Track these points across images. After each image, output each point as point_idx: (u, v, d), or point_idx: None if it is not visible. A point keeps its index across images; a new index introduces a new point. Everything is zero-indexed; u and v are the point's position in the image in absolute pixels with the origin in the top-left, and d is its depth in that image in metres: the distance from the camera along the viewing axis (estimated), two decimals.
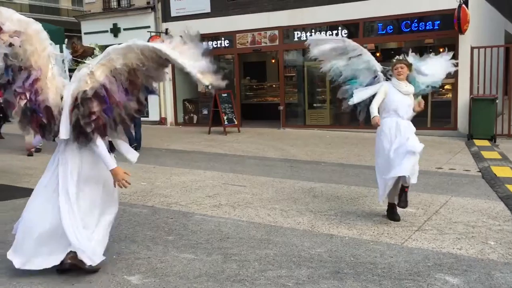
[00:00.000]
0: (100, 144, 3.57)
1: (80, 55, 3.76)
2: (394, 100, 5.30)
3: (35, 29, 3.63)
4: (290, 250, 4.32)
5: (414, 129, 5.37)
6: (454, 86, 12.20)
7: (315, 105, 14.48)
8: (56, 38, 6.95)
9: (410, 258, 4.07)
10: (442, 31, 12.08)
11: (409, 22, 12.33)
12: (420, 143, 5.17)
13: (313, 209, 5.72)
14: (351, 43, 5.67)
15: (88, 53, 3.82)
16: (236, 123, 13.80)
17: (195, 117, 16.35)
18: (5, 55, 3.53)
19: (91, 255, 3.63)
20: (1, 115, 11.91)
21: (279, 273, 3.78)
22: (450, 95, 12.82)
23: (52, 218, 3.66)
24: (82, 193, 3.70)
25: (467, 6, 11.23)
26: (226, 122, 13.38)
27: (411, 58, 5.48)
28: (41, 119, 3.65)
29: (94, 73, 3.53)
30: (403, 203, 5.17)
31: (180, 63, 3.45)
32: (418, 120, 13.02)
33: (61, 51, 6.77)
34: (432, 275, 3.71)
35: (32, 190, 6.72)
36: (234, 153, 10.40)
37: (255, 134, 13.31)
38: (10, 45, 3.52)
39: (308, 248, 4.37)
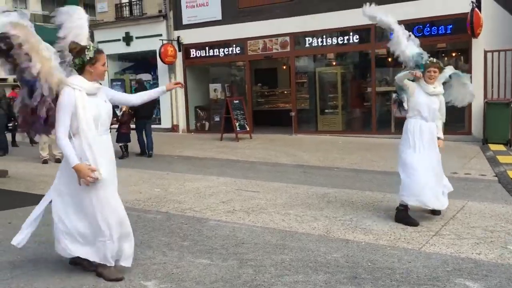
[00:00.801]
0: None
1: (74, 55, 3.69)
2: (418, 102, 5.37)
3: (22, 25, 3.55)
4: (306, 255, 4.28)
5: (437, 137, 5.48)
6: None
7: (326, 111, 14.45)
8: None
9: (428, 263, 4.01)
10: (454, 35, 12.00)
11: (421, 26, 12.27)
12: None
13: (327, 215, 5.68)
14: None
15: (81, 53, 3.68)
16: (248, 129, 13.81)
17: (207, 124, 16.40)
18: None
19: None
20: (16, 123, 12.08)
21: (296, 279, 3.75)
22: None
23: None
24: None
25: (479, 9, 11.16)
26: (238, 129, 13.38)
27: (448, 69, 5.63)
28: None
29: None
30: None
31: None
32: None
33: None
34: (451, 280, 3.65)
35: None
36: (246, 159, 10.39)
37: (267, 141, 13.30)
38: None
39: (324, 253, 4.33)
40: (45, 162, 10.16)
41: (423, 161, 5.29)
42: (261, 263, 4.09)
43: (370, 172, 8.51)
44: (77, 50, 3.68)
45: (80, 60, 3.67)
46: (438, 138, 5.51)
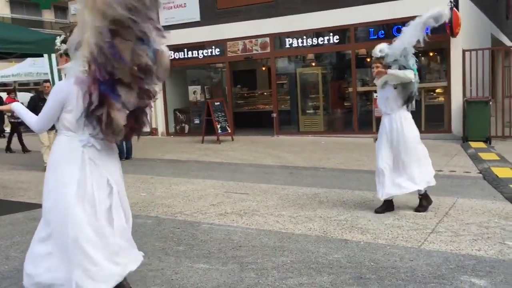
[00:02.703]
0: None
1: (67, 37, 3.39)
2: (377, 102, 5.70)
3: None
4: (307, 256, 4.20)
5: (408, 133, 5.49)
6: (447, 89, 12.28)
7: (308, 111, 14.45)
8: (50, 47, 6.79)
9: (431, 261, 3.98)
10: (433, 35, 12.02)
11: (400, 26, 12.34)
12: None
13: (321, 215, 5.61)
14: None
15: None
16: (229, 131, 13.69)
17: (186, 127, 16.19)
18: None
19: None
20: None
21: (300, 281, 3.66)
22: (442, 98, 12.89)
23: None
24: None
25: (457, 9, 11.33)
26: (219, 131, 13.25)
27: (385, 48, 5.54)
28: None
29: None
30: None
31: None
32: None
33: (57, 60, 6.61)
34: (457, 277, 3.62)
35: (28, 204, 6.60)
36: (230, 161, 10.27)
37: (249, 142, 13.20)
38: None
39: (325, 254, 4.25)
40: None
41: (385, 152, 5.52)
42: (262, 266, 3.99)
43: (357, 171, 8.50)
44: None
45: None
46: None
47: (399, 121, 5.50)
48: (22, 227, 5.43)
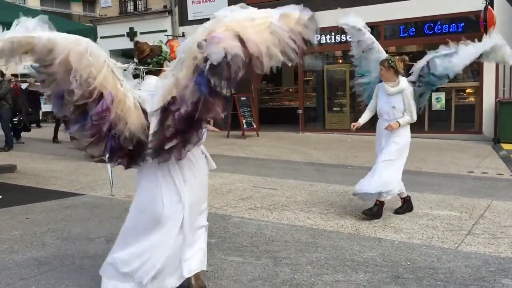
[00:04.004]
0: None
1: (148, 55, 3.28)
2: (379, 104, 5.32)
3: (82, 49, 2.65)
4: (341, 253, 4.15)
5: (400, 138, 5.21)
6: (479, 89, 12.02)
7: (334, 109, 14.32)
8: (88, 37, 6.86)
9: (469, 263, 3.89)
10: (466, 33, 11.84)
11: (432, 24, 12.18)
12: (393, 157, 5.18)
13: (352, 212, 5.55)
14: (368, 35, 5.63)
15: (156, 52, 3.30)
16: (254, 127, 13.67)
17: (211, 121, 16.19)
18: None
19: None
20: (21, 118, 11.90)
21: (336, 278, 3.62)
22: (473, 98, 12.62)
23: None
24: None
25: (492, 7, 11.06)
26: (245, 126, 13.24)
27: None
28: (128, 149, 2.91)
29: (178, 80, 2.73)
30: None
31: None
32: (441, 125, 12.93)
33: None
34: (498, 280, 3.53)
35: (60, 192, 6.71)
36: (256, 156, 10.26)
37: (274, 138, 13.16)
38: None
39: (359, 251, 4.20)
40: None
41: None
42: (296, 262, 3.96)
43: None
44: (150, 51, 3.30)
45: (160, 59, 3.30)
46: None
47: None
48: (56, 214, 5.51)
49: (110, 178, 6.54)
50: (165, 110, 2.77)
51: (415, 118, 5.26)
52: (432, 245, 4.36)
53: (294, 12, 2.70)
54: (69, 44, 2.63)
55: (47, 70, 2.68)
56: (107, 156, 2.93)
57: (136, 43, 3.34)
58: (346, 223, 5.10)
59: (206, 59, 2.56)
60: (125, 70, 2.97)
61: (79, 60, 2.62)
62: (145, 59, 3.30)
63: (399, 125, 5.14)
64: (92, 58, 2.66)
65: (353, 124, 5.45)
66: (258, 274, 3.69)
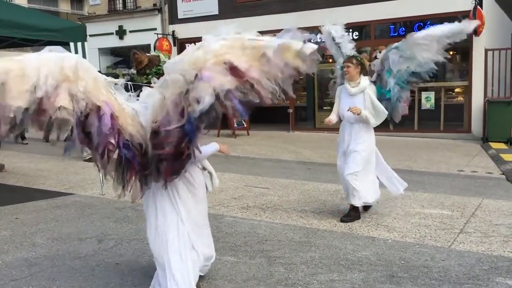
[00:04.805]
0: None
1: (147, 65, 3.20)
2: (341, 106, 5.10)
3: (72, 64, 2.51)
4: (335, 253, 4.14)
5: (365, 139, 5.03)
6: (468, 89, 12.11)
7: (325, 108, 14.33)
8: (77, 35, 6.78)
9: (463, 262, 3.90)
10: None
11: (421, 24, 12.23)
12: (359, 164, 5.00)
13: (345, 211, 5.53)
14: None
15: (155, 62, 3.23)
16: (245, 126, 13.63)
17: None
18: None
19: None
20: None
21: (331, 277, 3.61)
22: (462, 98, 12.72)
23: None
24: None
25: (481, 8, 11.16)
26: (235, 125, 13.20)
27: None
28: (136, 165, 2.72)
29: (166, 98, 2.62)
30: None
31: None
32: (431, 124, 13.00)
33: (83, 48, 6.59)
34: (492, 279, 3.55)
35: (50, 191, 6.62)
36: (247, 155, 10.23)
37: (264, 137, 13.14)
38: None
39: (353, 251, 4.19)
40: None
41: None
42: (290, 261, 3.94)
43: None
44: (148, 62, 3.22)
45: (159, 69, 3.19)
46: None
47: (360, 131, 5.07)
48: (45, 214, 5.43)
49: (100, 177, 6.47)
50: (155, 133, 2.66)
51: (377, 122, 5.00)
52: (425, 244, 4.37)
53: (296, 44, 2.55)
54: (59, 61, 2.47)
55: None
56: (122, 174, 2.77)
57: (134, 54, 3.23)
58: (339, 222, 5.10)
59: (196, 100, 2.47)
60: (116, 84, 2.82)
61: (73, 73, 2.47)
62: (144, 70, 3.20)
63: (360, 113, 4.84)
64: (84, 71, 2.53)
65: (328, 120, 5.23)
66: (252, 274, 3.67)
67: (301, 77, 2.62)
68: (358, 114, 4.88)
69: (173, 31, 15.83)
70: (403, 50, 4.96)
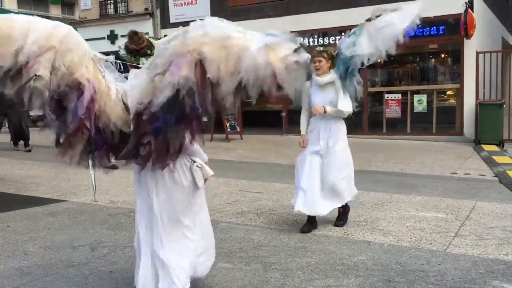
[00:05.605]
0: None
1: (147, 46, 3.07)
2: (313, 101, 4.83)
3: (63, 34, 2.44)
4: (331, 258, 4.12)
5: (339, 145, 4.96)
6: (459, 91, 12.18)
7: None
8: None
9: (459, 265, 3.89)
10: (447, 36, 12.05)
11: (414, 27, 12.28)
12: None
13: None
14: None
15: (151, 43, 3.11)
16: (238, 130, 13.61)
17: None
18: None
19: None
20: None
21: (327, 283, 3.58)
22: (453, 100, 12.80)
23: None
24: None
25: (472, 10, 11.24)
26: (229, 129, 13.17)
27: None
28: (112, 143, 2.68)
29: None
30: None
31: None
32: (423, 127, 13.06)
33: None
34: (488, 282, 3.54)
35: (42, 198, 6.54)
36: (241, 160, 10.20)
37: (258, 141, 13.12)
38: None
39: (349, 255, 4.17)
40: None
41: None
42: (286, 267, 3.91)
43: (370, 172, 8.41)
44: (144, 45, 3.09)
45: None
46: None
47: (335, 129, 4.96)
48: (38, 222, 5.36)
49: (93, 184, 6.41)
50: (138, 116, 2.59)
51: (349, 109, 4.84)
52: (421, 248, 4.36)
53: (284, 47, 2.34)
54: (50, 28, 2.42)
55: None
56: (90, 156, 2.69)
57: (135, 32, 3.13)
58: (334, 227, 5.08)
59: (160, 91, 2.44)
60: (106, 61, 2.72)
61: (61, 44, 2.40)
62: (145, 50, 3.13)
63: (325, 111, 4.73)
64: (74, 44, 2.46)
65: (302, 143, 5.14)
66: (248, 281, 3.64)
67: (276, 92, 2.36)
68: (324, 113, 4.75)
69: (165, 35, 15.62)
70: (359, 35, 4.80)
